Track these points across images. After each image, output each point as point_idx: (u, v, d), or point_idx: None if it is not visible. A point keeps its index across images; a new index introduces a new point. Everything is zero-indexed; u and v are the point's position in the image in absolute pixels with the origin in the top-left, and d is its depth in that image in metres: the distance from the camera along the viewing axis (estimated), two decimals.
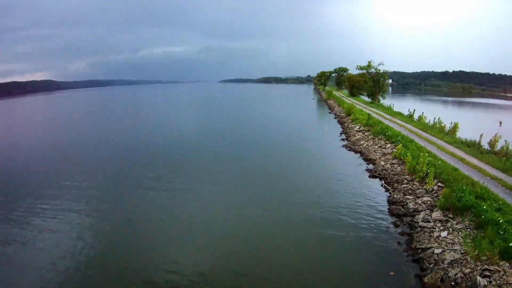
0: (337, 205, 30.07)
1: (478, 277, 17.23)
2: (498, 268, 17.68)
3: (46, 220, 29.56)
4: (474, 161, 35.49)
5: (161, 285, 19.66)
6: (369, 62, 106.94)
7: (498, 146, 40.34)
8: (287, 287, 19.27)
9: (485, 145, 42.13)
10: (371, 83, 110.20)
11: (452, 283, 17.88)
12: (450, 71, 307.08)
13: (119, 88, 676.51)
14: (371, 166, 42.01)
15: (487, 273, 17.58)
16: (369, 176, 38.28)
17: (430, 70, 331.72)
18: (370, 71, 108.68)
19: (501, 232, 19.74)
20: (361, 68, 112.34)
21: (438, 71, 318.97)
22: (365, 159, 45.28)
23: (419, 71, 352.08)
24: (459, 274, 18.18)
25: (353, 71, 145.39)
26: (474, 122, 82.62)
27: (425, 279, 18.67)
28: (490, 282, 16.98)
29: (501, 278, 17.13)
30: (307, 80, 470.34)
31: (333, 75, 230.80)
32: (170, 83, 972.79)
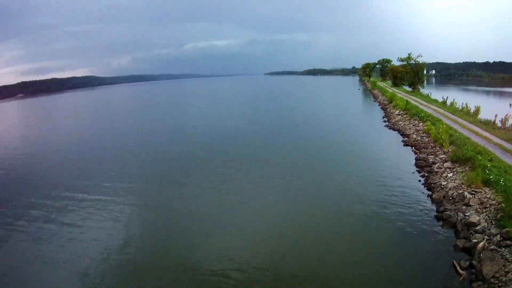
0: (378, 164, 39.97)
1: (466, 193, 26.95)
2: (481, 190, 27.20)
3: (87, 214, 30.08)
4: (486, 134, 43.78)
5: (201, 281, 19.38)
6: (409, 54, 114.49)
7: (508, 124, 48.50)
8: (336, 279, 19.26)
9: (498, 123, 50.28)
10: (412, 73, 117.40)
11: (450, 198, 27.68)
12: (491, 62, 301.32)
13: (163, 82, 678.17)
14: (406, 139, 51.34)
15: (473, 192, 27.22)
16: (404, 145, 48.09)
17: (472, 61, 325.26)
18: (410, 62, 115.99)
19: (487, 171, 29.03)
20: (401, 60, 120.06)
21: (480, 61, 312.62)
22: (401, 135, 54.53)
23: (461, 61, 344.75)
24: (455, 193, 27.91)
25: (396, 62, 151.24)
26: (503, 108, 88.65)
27: (433, 196, 28.74)
28: (474, 196, 26.64)
29: (482, 195, 26.67)
30: (352, 71, 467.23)
31: (377, 66, 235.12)
32: (215, 76, 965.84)
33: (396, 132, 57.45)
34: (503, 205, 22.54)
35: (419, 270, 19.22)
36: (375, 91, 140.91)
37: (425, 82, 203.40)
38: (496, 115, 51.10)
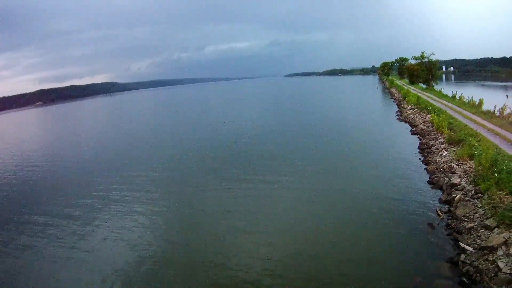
0: (391, 143, 47.49)
1: (454, 164, 33.15)
2: (466, 162, 33.27)
3: (109, 216, 30.83)
4: (484, 122, 49.17)
5: (224, 283, 19.45)
6: (422, 53, 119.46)
7: (505, 113, 53.85)
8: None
9: (497, 113, 55.66)
10: (425, 71, 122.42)
11: (441, 169, 33.89)
12: (508, 57, 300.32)
13: (184, 87, 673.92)
14: (413, 129, 57.25)
15: (459, 164, 33.37)
16: (411, 134, 54.31)
17: (489, 57, 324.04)
18: (424, 60, 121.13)
19: (473, 149, 35.03)
20: (415, 58, 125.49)
21: (497, 57, 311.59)
22: (411, 126, 60.50)
23: (479, 57, 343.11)
24: (446, 165, 34.12)
25: (412, 60, 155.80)
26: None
27: (428, 168, 35.16)
28: (460, 166, 32.78)
29: (466, 166, 32.71)
30: (372, 70, 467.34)
31: (395, 65, 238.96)
32: (236, 79, 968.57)
33: (407, 124, 63.34)
34: (477, 168, 28.73)
35: (411, 215, 25.80)
36: (392, 89, 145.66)
37: (443, 78, 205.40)
38: (495, 106, 56.42)
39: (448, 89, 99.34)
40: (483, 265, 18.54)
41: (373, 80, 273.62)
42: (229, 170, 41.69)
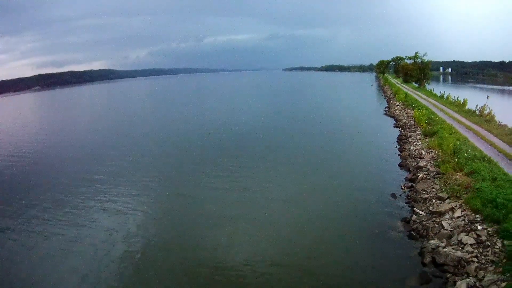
0: (374, 134, 52.51)
1: (423, 151, 38.20)
2: (435, 150, 38.23)
3: (101, 209, 29.90)
4: (463, 119, 54.29)
5: (216, 280, 19.26)
6: (416, 53, 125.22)
7: (485, 112, 58.95)
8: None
9: (477, 112, 60.72)
10: (418, 71, 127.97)
11: (413, 155, 38.92)
12: (506, 61, 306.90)
13: (182, 76, 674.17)
14: (397, 123, 62.40)
15: (429, 152, 38.40)
16: (394, 127, 59.54)
17: (488, 60, 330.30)
18: (417, 60, 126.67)
19: (443, 139, 39.99)
20: (409, 58, 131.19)
21: (495, 60, 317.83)
22: (395, 120, 65.75)
23: (477, 60, 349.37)
24: (417, 152, 39.18)
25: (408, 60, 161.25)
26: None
27: (402, 154, 40.30)
28: (429, 154, 37.78)
29: (434, 153, 37.67)
30: (369, 68, 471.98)
31: (392, 63, 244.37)
32: (234, 71, 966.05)
33: (392, 118, 68.53)
34: (441, 154, 33.81)
35: (379, 189, 31.00)
36: (386, 87, 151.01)
37: (441, 78, 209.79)
38: (476, 105, 61.48)
39: (443, 90, 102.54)
40: (430, 224, 23.54)
41: (370, 78, 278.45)
42: (218, 161, 42.54)
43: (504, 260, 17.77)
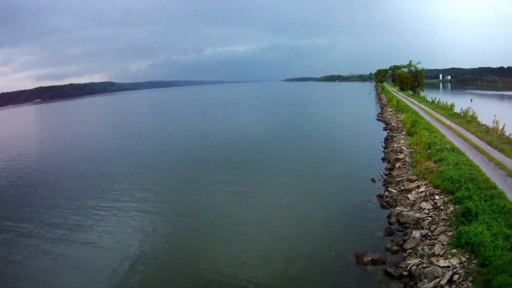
0: (364, 136, 58.99)
1: (404, 147, 44.87)
2: (414, 146, 44.82)
3: (106, 218, 30.79)
4: (447, 121, 60.42)
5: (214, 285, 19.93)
6: (410, 62, 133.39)
7: (469, 114, 65.49)
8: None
9: (462, 114, 67.30)
10: (412, 79, 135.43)
11: (394, 151, 45.55)
12: (505, 67, 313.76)
13: (183, 88, 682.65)
14: (386, 126, 69.34)
15: (408, 147, 45.00)
16: (383, 129, 66.60)
17: (487, 66, 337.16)
18: (411, 69, 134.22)
19: (423, 137, 46.56)
20: (404, 67, 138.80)
21: (494, 66, 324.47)
22: (386, 124, 72.75)
23: (476, 67, 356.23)
24: (398, 148, 45.91)
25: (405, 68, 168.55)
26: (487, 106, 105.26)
27: (385, 150, 47.14)
28: (408, 149, 44.37)
29: (413, 149, 44.27)
30: (369, 77, 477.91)
31: (389, 72, 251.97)
32: (235, 82, 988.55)
33: (382, 123, 75.62)
34: (414, 147, 40.53)
35: (362, 176, 37.74)
36: (382, 95, 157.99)
37: (440, 86, 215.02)
38: (461, 108, 67.95)
39: (442, 97, 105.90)
40: (399, 198, 30.14)
41: (369, 87, 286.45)
42: (219, 169, 44.69)
43: (453, 218, 24.10)
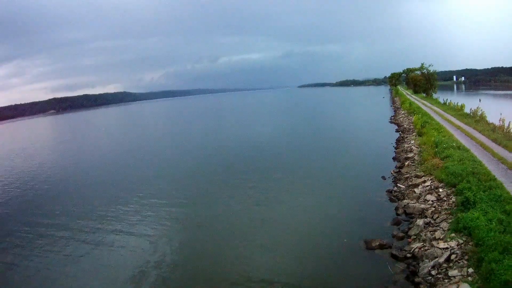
0: (377, 138, 61.57)
1: (413, 147, 47.29)
2: (424, 146, 47.17)
3: (125, 224, 31.31)
4: (457, 122, 62.59)
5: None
6: (422, 64, 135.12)
7: (478, 114, 67.46)
8: None
9: (471, 114, 69.23)
10: (424, 81, 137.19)
11: (405, 150, 47.94)
12: None
13: (198, 97, 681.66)
14: (398, 128, 71.72)
15: (417, 147, 47.36)
16: (395, 131, 68.95)
17: (500, 66, 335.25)
18: (423, 71, 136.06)
19: (432, 137, 48.83)
20: (416, 69, 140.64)
21: (507, 66, 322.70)
22: (398, 125, 75.15)
23: (490, 67, 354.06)
24: (408, 148, 48.32)
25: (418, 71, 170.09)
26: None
27: (396, 150, 49.54)
28: (417, 149, 46.73)
29: (423, 149, 46.60)
30: (384, 81, 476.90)
31: (403, 75, 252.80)
32: (250, 90, 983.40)
33: (395, 125, 78.04)
34: (423, 146, 42.96)
35: (374, 173, 40.36)
36: (396, 98, 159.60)
37: (454, 88, 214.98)
38: (470, 108, 69.88)
39: (456, 99, 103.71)
40: (407, 192, 32.65)
41: (383, 90, 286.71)
42: (235, 175, 45.23)
43: (454, 208, 26.53)
